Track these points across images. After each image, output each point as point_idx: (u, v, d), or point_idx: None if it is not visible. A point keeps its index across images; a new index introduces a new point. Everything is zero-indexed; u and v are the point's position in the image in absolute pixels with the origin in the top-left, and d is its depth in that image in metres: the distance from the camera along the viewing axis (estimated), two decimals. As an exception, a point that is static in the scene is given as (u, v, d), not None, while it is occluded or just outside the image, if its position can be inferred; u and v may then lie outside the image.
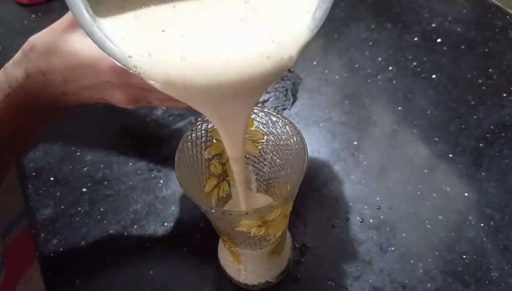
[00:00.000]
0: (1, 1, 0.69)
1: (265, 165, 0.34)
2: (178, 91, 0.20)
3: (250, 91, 0.21)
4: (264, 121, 0.30)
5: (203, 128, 0.29)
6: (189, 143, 0.28)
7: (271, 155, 0.32)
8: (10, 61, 0.33)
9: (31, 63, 0.31)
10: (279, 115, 0.29)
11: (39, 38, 0.31)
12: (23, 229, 0.60)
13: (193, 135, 0.29)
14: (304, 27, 0.20)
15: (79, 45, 0.30)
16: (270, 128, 0.30)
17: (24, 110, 0.33)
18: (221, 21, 0.21)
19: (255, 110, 0.29)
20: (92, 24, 0.20)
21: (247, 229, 0.26)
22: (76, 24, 0.30)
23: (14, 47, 0.62)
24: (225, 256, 0.36)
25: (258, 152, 0.32)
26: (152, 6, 0.22)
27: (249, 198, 0.29)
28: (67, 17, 0.31)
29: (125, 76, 0.29)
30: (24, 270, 0.59)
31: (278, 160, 0.32)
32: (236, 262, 0.35)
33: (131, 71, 0.20)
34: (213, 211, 0.24)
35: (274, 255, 0.33)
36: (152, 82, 0.20)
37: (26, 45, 0.32)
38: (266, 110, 0.29)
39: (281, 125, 0.29)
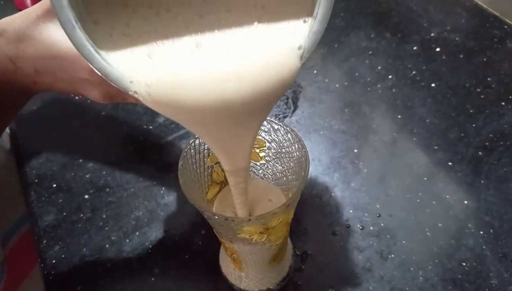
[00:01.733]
0: (5, 9, 0.70)
1: (267, 172, 0.34)
2: (184, 117, 0.20)
3: (255, 110, 0.21)
4: (266, 129, 0.30)
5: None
6: (192, 151, 0.29)
7: (272, 162, 0.33)
8: None
9: (0, 50, 0.29)
10: (281, 123, 0.29)
11: (9, 23, 0.29)
12: (22, 236, 0.60)
13: (196, 142, 0.29)
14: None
15: (57, 36, 0.28)
16: (272, 135, 0.30)
17: None
18: (217, 46, 0.21)
19: None
20: (85, 40, 0.19)
21: (249, 236, 0.27)
22: (52, 12, 0.27)
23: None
24: (226, 263, 0.36)
25: (260, 160, 0.33)
26: (150, 31, 0.21)
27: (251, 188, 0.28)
28: (42, 3, 0.29)
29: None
30: (23, 278, 0.59)
31: (279, 167, 0.32)
32: (237, 269, 0.35)
33: (129, 93, 0.20)
34: (216, 217, 0.25)
35: (275, 262, 0.34)
36: (153, 107, 0.20)
37: None
38: (268, 118, 0.29)
39: (282, 133, 0.29)
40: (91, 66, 0.20)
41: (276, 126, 0.29)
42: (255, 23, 0.21)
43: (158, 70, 0.20)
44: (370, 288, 0.38)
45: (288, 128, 0.29)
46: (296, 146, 0.28)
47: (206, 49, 0.21)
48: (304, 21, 0.21)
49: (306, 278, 0.38)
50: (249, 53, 0.20)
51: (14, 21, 0.29)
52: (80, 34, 0.19)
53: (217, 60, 0.20)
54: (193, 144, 0.28)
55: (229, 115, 0.21)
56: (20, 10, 0.68)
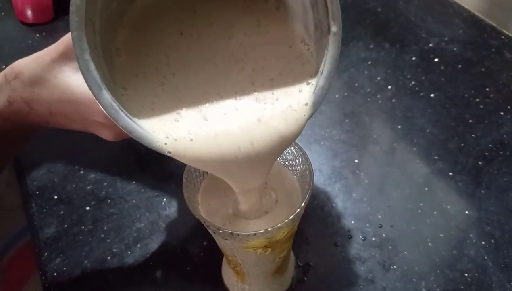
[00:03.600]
0: (5, 20, 0.70)
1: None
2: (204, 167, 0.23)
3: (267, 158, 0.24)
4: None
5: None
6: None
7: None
8: None
9: (14, 92, 0.30)
10: None
11: (24, 66, 0.30)
12: (20, 248, 0.60)
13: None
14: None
15: (72, 80, 0.29)
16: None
17: (1, 133, 0.32)
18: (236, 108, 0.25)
19: None
20: (131, 121, 0.22)
21: (254, 249, 0.27)
22: (67, 56, 0.29)
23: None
24: (229, 275, 0.36)
25: None
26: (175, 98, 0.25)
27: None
28: (56, 46, 0.30)
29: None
30: (20, 289, 0.59)
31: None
32: (240, 282, 0.35)
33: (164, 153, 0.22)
34: (221, 231, 0.25)
35: (278, 274, 0.34)
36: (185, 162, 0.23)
37: (8, 71, 0.30)
38: None
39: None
40: (117, 124, 0.22)
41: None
42: (265, 85, 0.25)
43: (181, 132, 0.23)
44: (373, 299, 0.38)
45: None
46: (300, 159, 0.28)
47: (223, 112, 0.24)
48: (308, 83, 0.24)
49: (308, 290, 0.38)
50: (260, 114, 0.24)
51: (29, 64, 0.29)
52: (106, 95, 0.21)
53: (232, 121, 0.23)
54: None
55: (244, 164, 0.23)
56: (21, 21, 0.69)
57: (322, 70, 0.23)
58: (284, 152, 0.30)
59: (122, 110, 0.22)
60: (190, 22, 0.27)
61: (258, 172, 0.25)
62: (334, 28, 0.23)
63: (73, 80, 0.29)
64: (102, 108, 0.21)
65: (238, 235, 0.24)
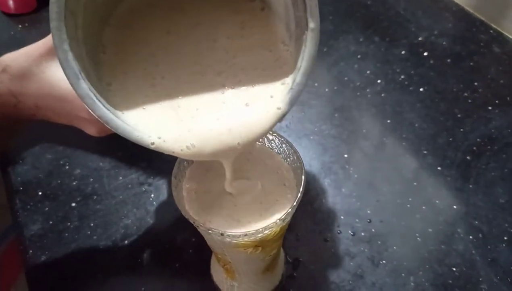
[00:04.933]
0: (-14, 11, 0.68)
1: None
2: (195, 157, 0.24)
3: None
4: (259, 139, 0.30)
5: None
6: (185, 163, 0.28)
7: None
8: None
9: (2, 84, 0.30)
10: (276, 134, 0.29)
11: (13, 60, 0.30)
12: (8, 246, 0.59)
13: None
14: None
15: (59, 75, 0.29)
16: (266, 145, 0.30)
17: None
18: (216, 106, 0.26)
19: None
20: (108, 111, 0.22)
21: (244, 249, 0.26)
22: (54, 51, 0.28)
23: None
24: (218, 272, 0.36)
25: None
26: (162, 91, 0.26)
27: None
28: (45, 42, 0.30)
29: None
30: (9, 288, 0.58)
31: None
32: (229, 279, 0.35)
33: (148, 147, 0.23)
34: (210, 232, 0.24)
35: (268, 272, 0.33)
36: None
37: None
38: None
39: (277, 144, 0.29)
40: (94, 114, 0.22)
41: (270, 137, 0.29)
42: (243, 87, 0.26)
43: (166, 127, 0.24)
44: (362, 295, 0.38)
45: (283, 139, 0.28)
46: (292, 157, 0.28)
47: (203, 112, 0.25)
48: (283, 83, 0.25)
49: (298, 285, 0.38)
50: (237, 115, 0.25)
51: (18, 58, 0.30)
52: (84, 84, 0.21)
53: (211, 122, 0.25)
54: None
55: (226, 153, 0.25)
56: (3, 12, 0.66)
57: (300, 66, 0.23)
58: (276, 150, 0.29)
59: (100, 101, 0.22)
60: (178, 21, 0.28)
61: (233, 154, 0.26)
62: (311, 25, 0.23)
63: (60, 76, 0.29)
64: (79, 97, 0.21)
65: (229, 235, 0.24)
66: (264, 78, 0.26)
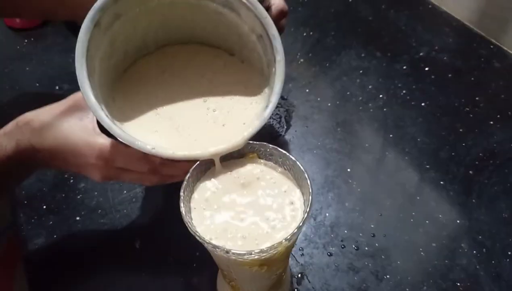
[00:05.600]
0: (-6, 26, 0.69)
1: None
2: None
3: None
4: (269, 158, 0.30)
5: (205, 163, 0.29)
6: (193, 179, 0.28)
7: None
8: (1, 131, 0.35)
9: (24, 136, 0.33)
10: (287, 154, 0.29)
11: (35, 115, 0.34)
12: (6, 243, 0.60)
13: (194, 173, 0.29)
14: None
15: (74, 126, 0.33)
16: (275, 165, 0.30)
17: (6, 171, 0.35)
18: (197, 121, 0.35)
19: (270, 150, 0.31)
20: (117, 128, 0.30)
21: (249, 267, 0.26)
22: (75, 108, 0.34)
23: (6, 72, 0.62)
24: (224, 289, 0.36)
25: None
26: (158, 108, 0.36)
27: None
28: (66, 101, 0.35)
29: (109, 161, 0.33)
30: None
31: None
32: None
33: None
34: (217, 249, 0.24)
35: (274, 289, 0.33)
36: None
37: (21, 119, 0.34)
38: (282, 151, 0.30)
39: (288, 165, 0.29)
40: (94, 114, 0.29)
41: (280, 158, 0.29)
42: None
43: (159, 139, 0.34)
44: (367, 310, 0.37)
45: (294, 160, 0.29)
46: (300, 178, 0.28)
47: (193, 128, 0.35)
48: (251, 103, 0.35)
49: (302, 301, 0.38)
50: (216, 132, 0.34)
51: (40, 113, 0.34)
52: (92, 96, 0.29)
53: (198, 136, 0.34)
54: (194, 173, 0.28)
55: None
56: (9, 26, 0.67)
57: (274, 88, 0.31)
58: (285, 167, 0.30)
59: (102, 110, 0.29)
60: (171, 63, 0.38)
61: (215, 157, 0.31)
62: (278, 58, 0.32)
63: (76, 126, 0.33)
64: (84, 96, 0.29)
65: (234, 253, 0.24)
66: (238, 105, 0.35)
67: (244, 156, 0.30)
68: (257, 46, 0.35)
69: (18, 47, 0.65)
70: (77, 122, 0.33)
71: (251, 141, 0.29)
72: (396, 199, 0.46)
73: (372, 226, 0.43)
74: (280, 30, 0.44)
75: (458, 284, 0.39)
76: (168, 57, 0.39)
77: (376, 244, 0.42)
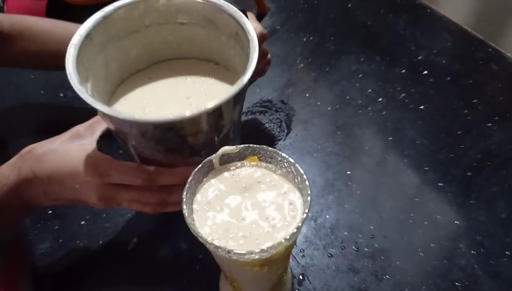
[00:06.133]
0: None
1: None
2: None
3: None
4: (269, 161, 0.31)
5: (206, 166, 0.30)
6: (195, 181, 0.29)
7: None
8: (6, 163, 0.37)
9: (25, 163, 0.35)
10: (285, 155, 0.30)
11: (38, 144, 0.36)
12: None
13: (196, 175, 0.30)
14: None
15: (73, 150, 0.35)
16: (274, 165, 0.31)
17: (7, 206, 0.36)
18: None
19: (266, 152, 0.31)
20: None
21: (250, 267, 0.27)
22: (75, 137, 0.36)
23: (12, 80, 0.63)
24: (226, 289, 0.36)
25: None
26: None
27: None
28: (67, 132, 0.37)
29: (104, 176, 0.34)
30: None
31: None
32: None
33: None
34: (219, 250, 0.25)
35: (275, 290, 0.34)
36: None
37: (24, 149, 0.36)
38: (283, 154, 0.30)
39: (286, 165, 0.30)
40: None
41: (279, 158, 0.30)
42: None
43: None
44: (367, 310, 0.38)
45: (291, 161, 0.29)
46: (298, 179, 0.29)
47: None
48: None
49: (303, 301, 0.39)
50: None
51: (43, 143, 0.36)
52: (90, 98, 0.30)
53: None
54: (196, 175, 0.29)
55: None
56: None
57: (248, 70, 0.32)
58: (284, 170, 0.31)
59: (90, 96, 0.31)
60: (156, 71, 0.42)
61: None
62: (250, 36, 0.34)
63: (75, 149, 0.35)
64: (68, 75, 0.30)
65: (236, 253, 0.25)
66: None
67: (244, 159, 0.31)
68: (237, 49, 0.37)
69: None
70: (77, 146, 0.35)
71: (251, 145, 0.30)
72: (395, 200, 0.46)
73: (371, 227, 0.44)
74: (264, 54, 0.49)
75: (457, 283, 0.40)
76: (155, 67, 0.42)
77: (376, 245, 0.43)
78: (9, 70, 0.63)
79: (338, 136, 0.53)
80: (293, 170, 0.30)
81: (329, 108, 0.56)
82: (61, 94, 0.59)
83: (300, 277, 0.41)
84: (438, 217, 0.44)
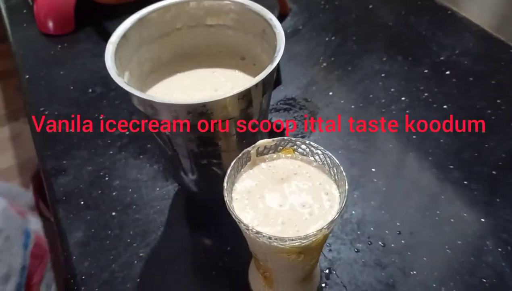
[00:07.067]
0: (27, 31, 0.72)
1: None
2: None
3: None
4: (304, 153, 0.32)
5: (244, 157, 0.31)
6: (235, 170, 0.30)
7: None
8: None
9: None
10: (320, 148, 0.30)
11: None
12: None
13: (235, 165, 0.31)
14: None
15: None
16: (311, 157, 0.32)
17: None
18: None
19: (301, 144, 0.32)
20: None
21: (288, 255, 0.28)
22: None
23: (42, 76, 0.65)
24: (257, 280, 0.37)
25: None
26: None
27: None
28: None
29: None
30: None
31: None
32: (268, 287, 0.36)
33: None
34: (260, 236, 0.26)
35: (305, 282, 0.35)
36: None
37: None
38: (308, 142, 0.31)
39: (321, 157, 0.31)
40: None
41: (315, 150, 0.31)
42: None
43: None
44: (395, 303, 0.39)
45: (327, 153, 0.30)
46: (334, 170, 0.30)
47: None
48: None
49: (332, 294, 0.40)
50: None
51: None
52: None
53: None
54: (235, 165, 0.30)
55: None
56: (43, 32, 0.70)
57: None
58: (319, 162, 0.31)
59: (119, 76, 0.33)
60: (184, 65, 0.43)
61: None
62: (276, 30, 0.36)
63: None
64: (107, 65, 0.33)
65: (276, 239, 0.26)
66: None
67: (280, 151, 0.32)
68: (264, 46, 0.39)
69: (52, 52, 0.68)
70: None
71: (287, 137, 0.31)
72: (421, 198, 0.47)
73: (398, 223, 0.44)
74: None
75: (484, 280, 0.40)
76: (181, 59, 0.43)
77: (402, 241, 0.43)
78: (40, 66, 0.65)
79: (362, 134, 0.53)
80: (329, 161, 0.30)
81: (352, 106, 0.57)
82: (90, 90, 0.60)
83: (327, 271, 0.41)
84: (464, 214, 0.45)
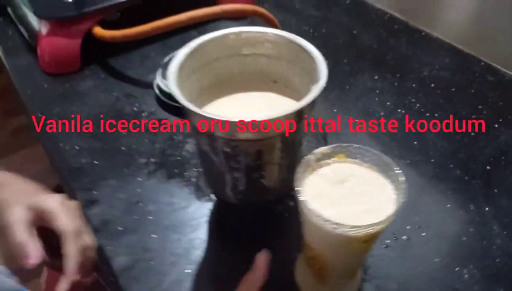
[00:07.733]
0: (30, 72, 0.73)
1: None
2: None
3: None
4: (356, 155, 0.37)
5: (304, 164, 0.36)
6: (304, 169, 0.35)
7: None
8: None
9: None
10: (376, 152, 0.36)
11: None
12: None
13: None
14: None
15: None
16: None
17: None
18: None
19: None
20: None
21: (352, 243, 0.32)
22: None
23: (55, 113, 0.66)
24: (306, 278, 0.41)
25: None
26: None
27: None
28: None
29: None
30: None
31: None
32: (316, 283, 0.40)
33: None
34: (335, 225, 0.30)
35: (354, 276, 0.39)
36: None
37: None
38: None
39: (376, 159, 0.36)
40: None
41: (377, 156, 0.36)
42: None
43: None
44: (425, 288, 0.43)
45: (381, 155, 0.35)
46: (390, 169, 0.35)
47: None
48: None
49: (366, 289, 0.44)
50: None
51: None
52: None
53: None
54: (299, 170, 0.34)
55: None
56: (47, 73, 0.72)
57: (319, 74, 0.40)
58: (372, 163, 0.37)
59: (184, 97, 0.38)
60: (220, 92, 0.47)
61: None
62: (318, 61, 0.41)
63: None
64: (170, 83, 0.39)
65: (351, 227, 0.30)
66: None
67: (334, 157, 0.36)
68: (296, 71, 0.44)
69: (60, 90, 0.70)
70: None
71: (340, 144, 0.36)
72: (431, 195, 0.53)
73: (416, 219, 0.50)
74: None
75: (497, 260, 0.46)
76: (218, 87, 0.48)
77: (423, 234, 0.48)
78: (51, 104, 0.67)
79: (371, 144, 0.59)
80: (380, 161, 0.36)
81: (356, 120, 0.63)
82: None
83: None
84: (470, 206, 0.51)
